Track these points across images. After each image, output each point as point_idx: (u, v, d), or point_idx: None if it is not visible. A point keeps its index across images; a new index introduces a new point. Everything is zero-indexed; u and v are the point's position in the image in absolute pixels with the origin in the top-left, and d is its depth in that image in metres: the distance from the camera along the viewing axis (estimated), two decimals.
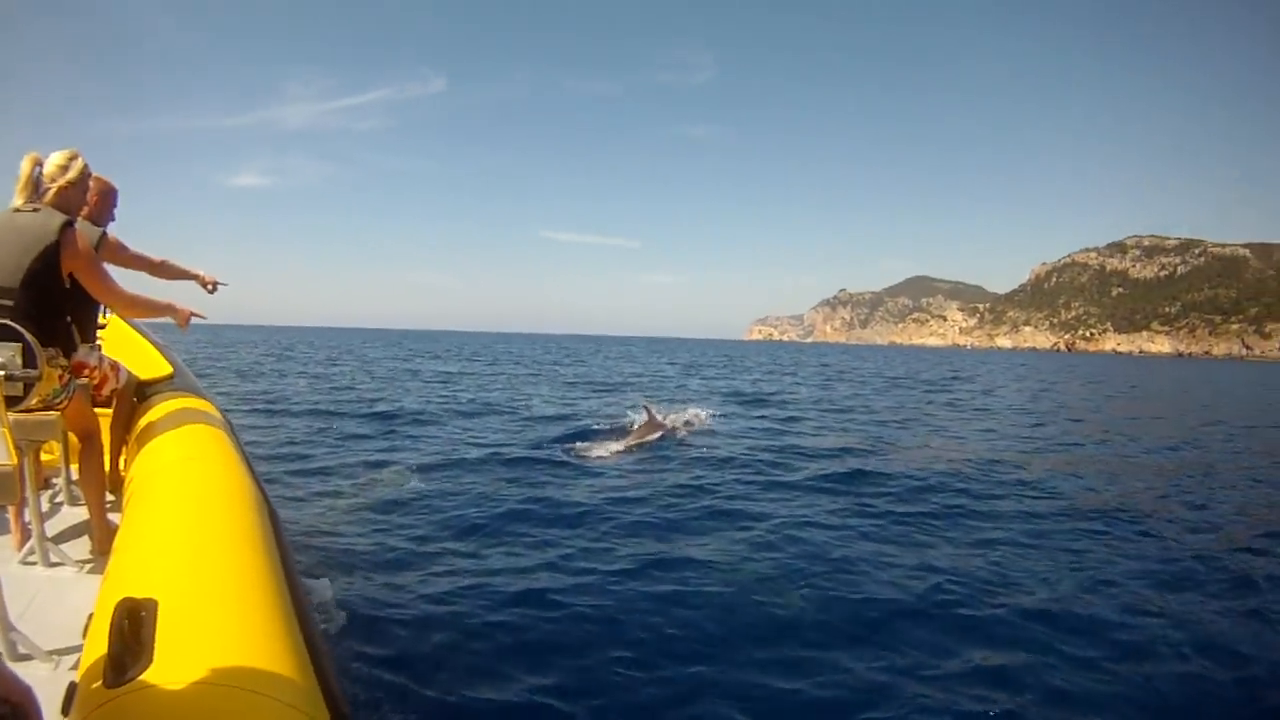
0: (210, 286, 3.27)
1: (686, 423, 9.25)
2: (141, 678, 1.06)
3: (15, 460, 1.84)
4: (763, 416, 11.57)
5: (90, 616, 1.37)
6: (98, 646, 1.19)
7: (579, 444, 7.84)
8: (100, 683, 1.07)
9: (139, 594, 1.28)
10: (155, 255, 3.15)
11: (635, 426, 8.51)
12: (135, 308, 2.70)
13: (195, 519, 1.71)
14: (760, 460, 7.17)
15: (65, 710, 1.11)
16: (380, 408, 11.08)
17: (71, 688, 1.17)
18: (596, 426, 9.03)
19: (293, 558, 1.73)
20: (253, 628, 1.24)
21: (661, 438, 8.04)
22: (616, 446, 7.67)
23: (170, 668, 1.09)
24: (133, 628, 1.18)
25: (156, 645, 1.14)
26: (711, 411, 10.57)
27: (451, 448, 7.65)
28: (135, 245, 3.05)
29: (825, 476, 6.43)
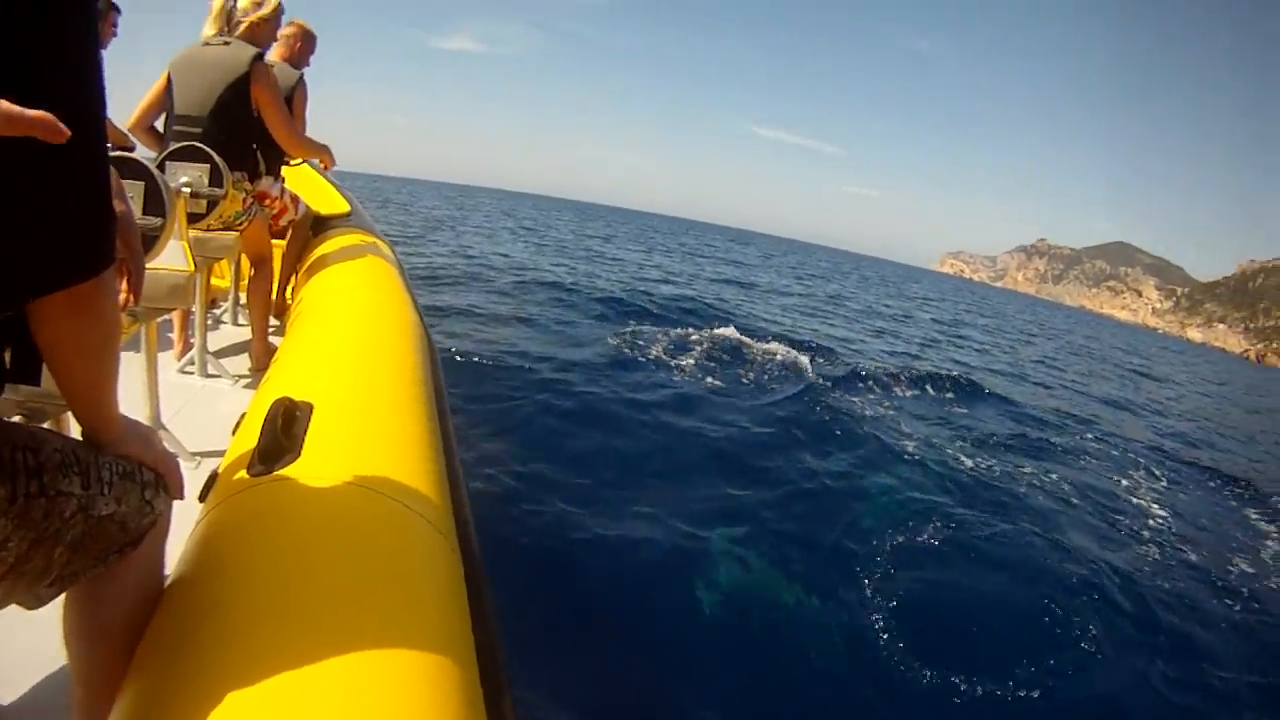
0: (326, 166, 3.12)
1: None
2: (286, 470, 1.00)
3: (192, 268, 1.83)
4: None
5: (242, 416, 1.34)
6: (246, 442, 1.14)
7: None
8: (244, 472, 1.02)
9: (296, 398, 1.21)
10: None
11: None
12: (302, 147, 2.73)
13: (357, 340, 1.67)
14: None
15: (202, 497, 1.07)
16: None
17: (212, 477, 1.14)
18: None
19: (446, 393, 1.70)
20: (402, 444, 1.19)
21: None
22: None
23: (317, 464, 1.02)
24: (285, 425, 1.13)
25: (306, 443, 1.07)
26: None
27: None
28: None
29: None
